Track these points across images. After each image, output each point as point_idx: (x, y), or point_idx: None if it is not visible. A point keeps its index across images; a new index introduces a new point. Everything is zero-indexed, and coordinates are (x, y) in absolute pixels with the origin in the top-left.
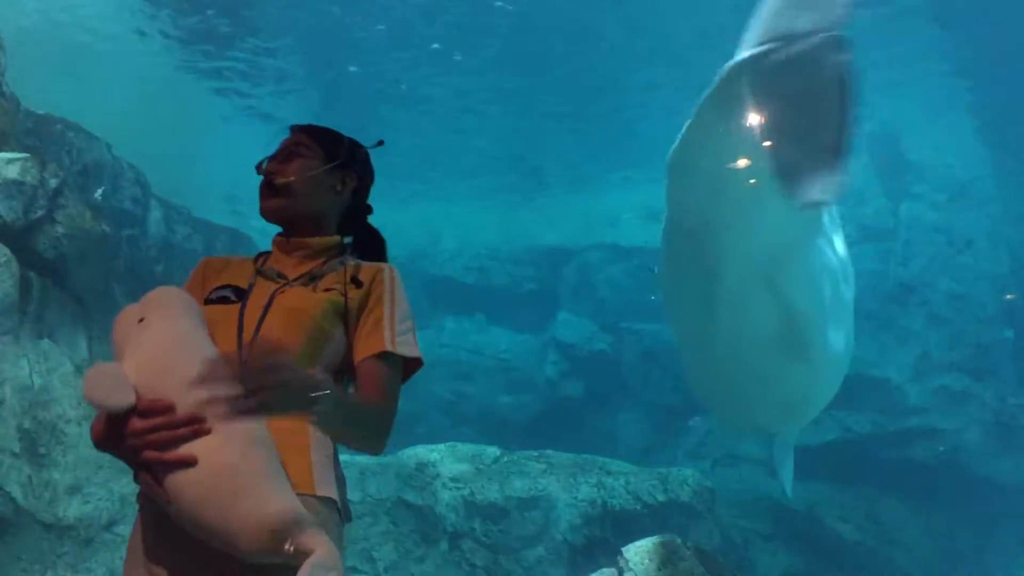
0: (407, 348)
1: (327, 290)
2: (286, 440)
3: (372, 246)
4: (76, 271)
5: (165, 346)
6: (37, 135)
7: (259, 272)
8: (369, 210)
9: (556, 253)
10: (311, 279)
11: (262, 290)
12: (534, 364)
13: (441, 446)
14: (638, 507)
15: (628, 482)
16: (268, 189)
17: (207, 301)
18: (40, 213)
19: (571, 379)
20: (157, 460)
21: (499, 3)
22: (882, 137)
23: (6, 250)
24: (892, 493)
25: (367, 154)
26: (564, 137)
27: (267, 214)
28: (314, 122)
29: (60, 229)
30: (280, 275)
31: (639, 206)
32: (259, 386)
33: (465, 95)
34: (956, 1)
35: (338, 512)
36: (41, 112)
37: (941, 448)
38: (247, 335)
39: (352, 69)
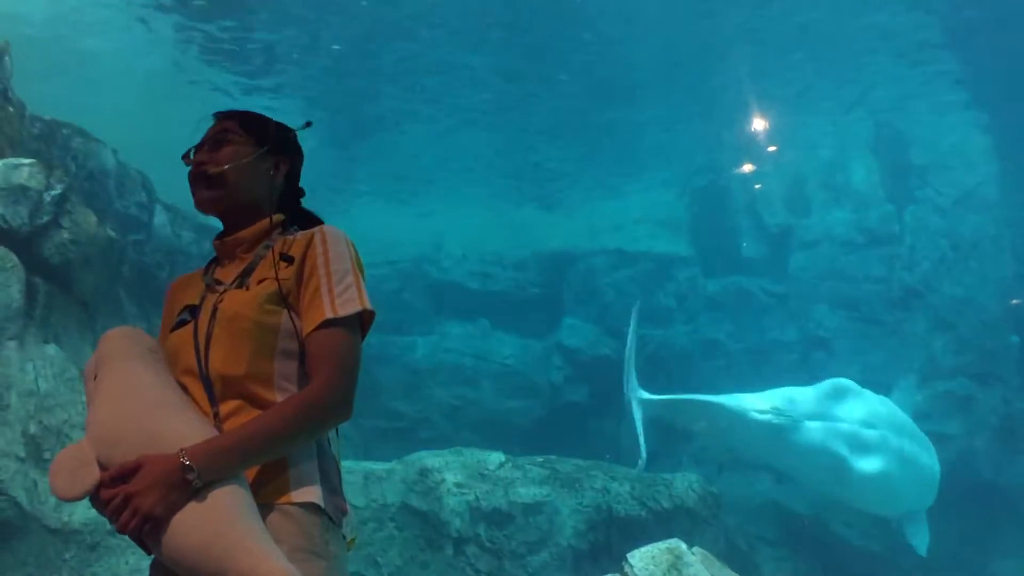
0: (349, 306)
1: (261, 281)
2: None
3: (309, 227)
4: (82, 276)
5: (112, 410)
6: (43, 140)
7: (207, 285)
8: (302, 193)
9: (561, 258)
10: (244, 277)
11: (208, 303)
12: (539, 369)
13: (446, 452)
14: (643, 513)
15: (633, 488)
16: (200, 180)
17: (172, 329)
18: (46, 219)
19: (576, 384)
20: (132, 531)
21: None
22: (887, 141)
23: (12, 256)
24: None
25: (296, 136)
26: (569, 142)
27: (203, 206)
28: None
29: (66, 234)
30: (218, 282)
31: (644, 211)
32: (133, 509)
33: (470, 99)
34: (962, 8)
35: (324, 515)
36: (47, 117)
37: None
38: (202, 354)
39: (357, 69)
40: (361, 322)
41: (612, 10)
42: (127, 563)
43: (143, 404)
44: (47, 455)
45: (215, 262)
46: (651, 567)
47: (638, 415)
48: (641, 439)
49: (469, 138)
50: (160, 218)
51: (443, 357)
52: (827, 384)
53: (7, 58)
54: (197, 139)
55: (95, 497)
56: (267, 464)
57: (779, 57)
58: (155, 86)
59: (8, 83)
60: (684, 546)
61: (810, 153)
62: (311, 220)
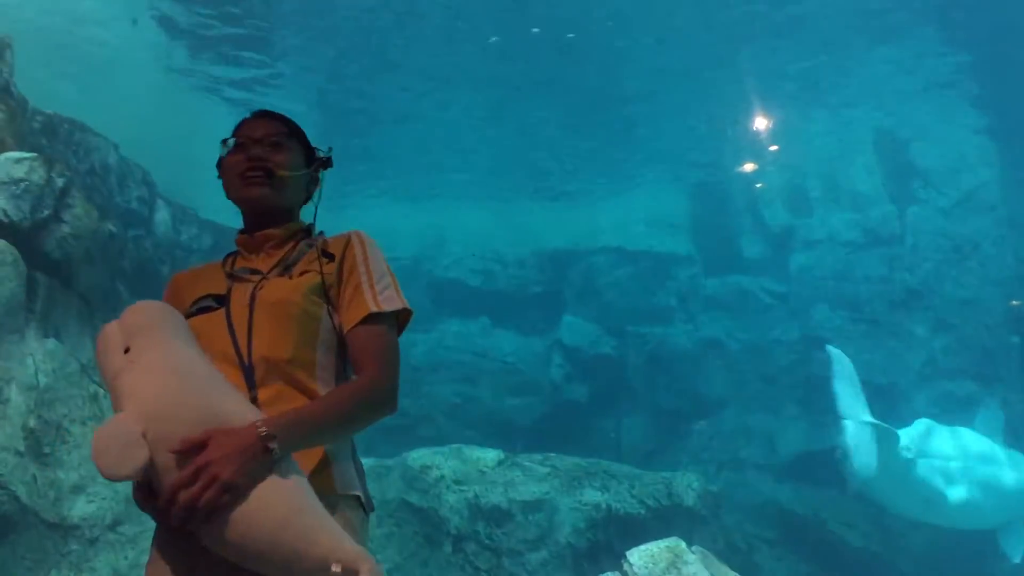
0: (391, 303)
1: (303, 273)
2: None
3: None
4: (82, 271)
5: (164, 384)
6: (44, 135)
7: (231, 275)
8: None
9: (561, 256)
10: (286, 267)
11: (241, 290)
12: (539, 367)
13: (445, 449)
14: (642, 511)
15: (632, 486)
16: (259, 176)
17: (189, 315)
18: (47, 213)
19: (576, 382)
20: (208, 503)
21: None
22: (889, 142)
23: (13, 250)
24: None
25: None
26: (571, 141)
27: (251, 201)
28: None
29: (67, 229)
30: (254, 271)
31: (645, 210)
32: (210, 477)
33: (472, 97)
34: (962, 7)
35: (362, 507)
36: (49, 112)
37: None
38: (240, 339)
39: (360, 67)
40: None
41: (615, 9)
42: (126, 558)
43: (196, 380)
44: (47, 449)
45: (234, 256)
46: (650, 565)
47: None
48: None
49: (470, 135)
50: (161, 213)
51: (443, 354)
52: (916, 425)
53: (9, 52)
54: (213, 133)
55: (137, 488)
56: (308, 455)
57: (781, 56)
58: (156, 82)
59: (10, 78)
60: (684, 544)
61: (812, 153)
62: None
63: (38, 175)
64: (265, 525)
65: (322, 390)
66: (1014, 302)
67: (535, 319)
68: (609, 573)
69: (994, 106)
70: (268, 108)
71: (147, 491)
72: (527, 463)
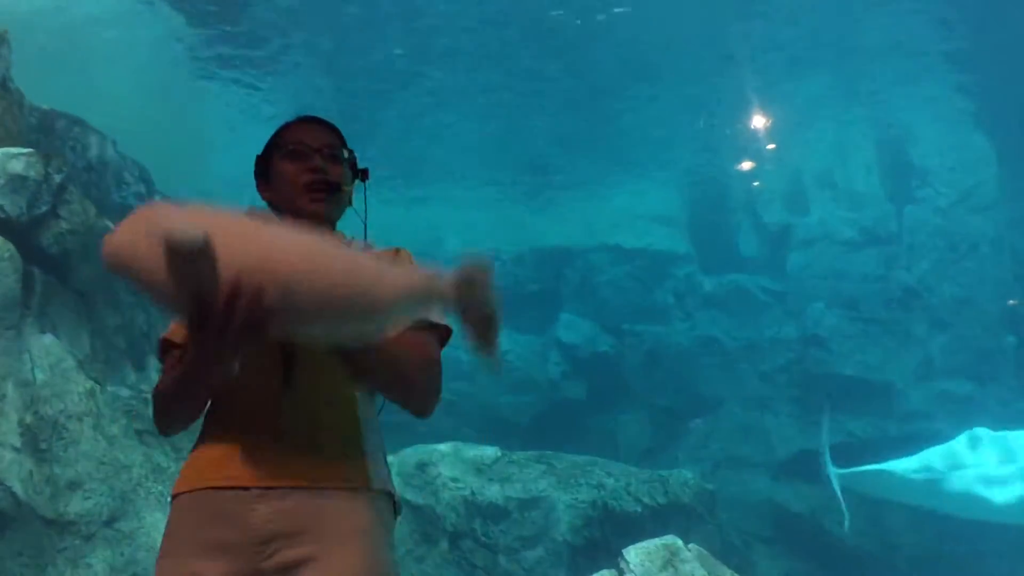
0: (439, 317)
1: None
2: (338, 425)
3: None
4: (79, 267)
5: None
6: (42, 130)
7: None
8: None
9: (559, 254)
10: None
11: None
12: (536, 365)
13: (442, 446)
14: (639, 509)
15: (629, 484)
16: (324, 189)
17: None
18: (44, 209)
19: (573, 380)
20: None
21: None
22: (887, 141)
23: (10, 245)
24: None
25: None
26: (568, 139)
27: (316, 216)
28: (313, 114)
29: (64, 225)
30: None
31: (642, 208)
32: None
33: (469, 95)
34: (962, 9)
35: (393, 506)
36: (46, 107)
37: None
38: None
39: (360, 67)
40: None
41: (613, 7)
42: (122, 555)
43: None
44: (43, 445)
45: None
46: (647, 563)
47: (837, 487)
48: (843, 506)
49: (467, 133)
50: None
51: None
52: (964, 436)
53: (5, 47)
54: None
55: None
56: (344, 450)
57: (780, 55)
58: (154, 78)
59: (7, 72)
60: (680, 542)
61: (810, 151)
62: None
63: (35, 171)
64: (334, 275)
65: (359, 399)
66: (1011, 302)
67: (532, 317)
68: (605, 571)
69: (993, 106)
70: (266, 107)
71: (203, 313)
72: (524, 461)
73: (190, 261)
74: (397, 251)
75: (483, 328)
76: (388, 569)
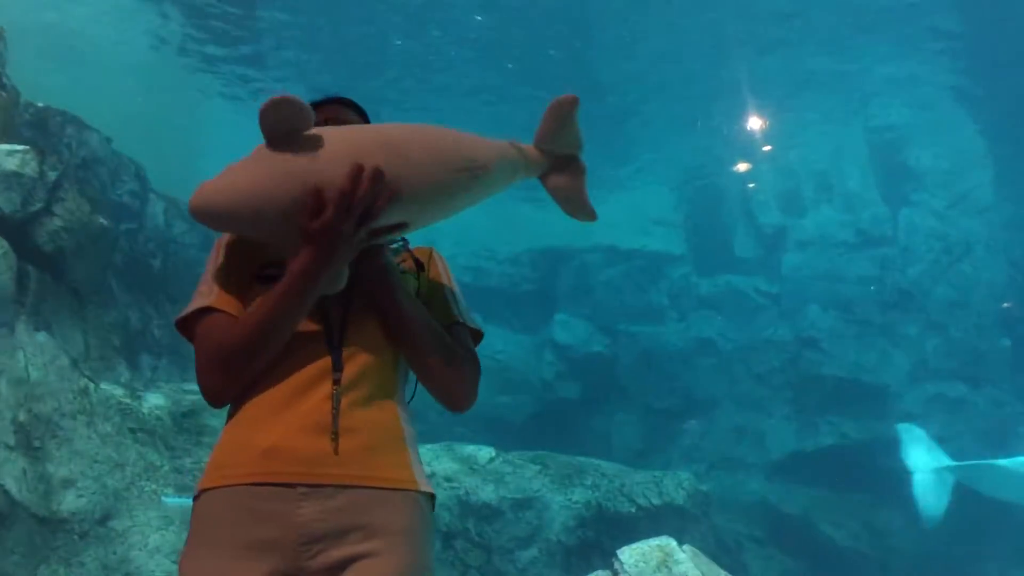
0: (472, 322)
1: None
2: (383, 424)
3: None
4: (74, 264)
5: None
6: (37, 127)
7: None
8: None
9: (554, 254)
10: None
11: None
12: (530, 365)
13: (436, 445)
14: (632, 509)
15: (623, 484)
16: None
17: (264, 278)
18: (39, 206)
19: (567, 380)
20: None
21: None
22: (883, 144)
23: (4, 242)
24: (887, 499)
25: None
26: None
27: None
28: (349, 101)
29: (58, 222)
30: None
31: (638, 209)
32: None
33: (464, 93)
34: (961, 14)
35: (433, 506)
36: (41, 104)
37: None
38: (334, 321)
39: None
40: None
41: (610, 9)
42: (115, 553)
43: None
44: (36, 443)
45: None
46: (641, 564)
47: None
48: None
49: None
50: (153, 207)
51: None
52: None
53: (1, 44)
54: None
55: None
56: (391, 450)
57: (777, 57)
58: (147, 75)
59: (3, 69)
60: (674, 543)
61: (805, 154)
62: None
63: (30, 168)
64: (439, 139)
65: (400, 388)
66: (1005, 304)
67: (527, 317)
68: (600, 571)
69: (988, 109)
70: (260, 105)
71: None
72: (518, 461)
73: (298, 150)
74: (431, 253)
75: (572, 180)
76: (431, 568)
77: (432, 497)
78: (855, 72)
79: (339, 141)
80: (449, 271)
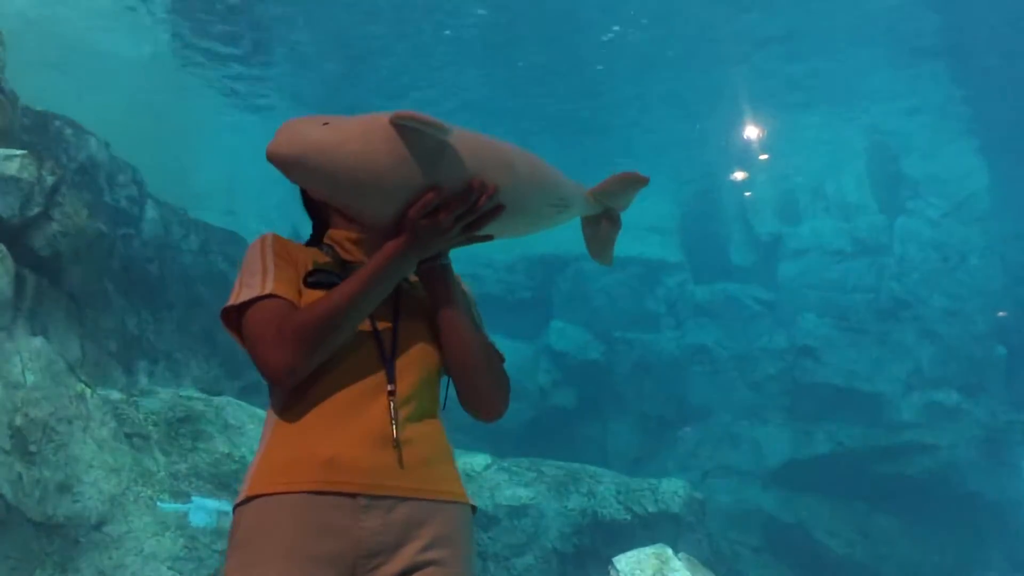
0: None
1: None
2: (435, 444)
3: None
4: (71, 269)
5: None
6: (35, 132)
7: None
8: None
9: (550, 261)
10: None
11: None
12: (527, 372)
13: None
14: (628, 517)
15: (619, 492)
16: None
17: (312, 284)
18: (37, 210)
19: (563, 388)
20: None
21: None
22: (879, 152)
23: (1, 246)
24: (882, 507)
25: None
26: (559, 144)
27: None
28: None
29: (56, 227)
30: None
31: (635, 216)
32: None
33: (461, 101)
34: (958, 21)
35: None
36: (39, 109)
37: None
38: (385, 338)
39: (349, 67)
40: None
41: (607, 12)
42: (111, 558)
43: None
44: (32, 448)
45: (332, 248)
46: (637, 571)
47: None
48: None
49: None
50: (150, 212)
51: None
52: None
53: (0, 49)
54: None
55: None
56: (444, 462)
57: (774, 66)
58: (146, 80)
59: (1, 74)
60: (670, 551)
61: (802, 162)
62: None
63: (28, 172)
64: (537, 167)
65: (439, 401)
66: (1001, 313)
67: (523, 324)
68: None
69: (984, 118)
70: (263, 107)
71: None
72: (514, 468)
73: (426, 148)
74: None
75: (608, 232)
76: None
77: (474, 509)
78: (851, 81)
79: (464, 147)
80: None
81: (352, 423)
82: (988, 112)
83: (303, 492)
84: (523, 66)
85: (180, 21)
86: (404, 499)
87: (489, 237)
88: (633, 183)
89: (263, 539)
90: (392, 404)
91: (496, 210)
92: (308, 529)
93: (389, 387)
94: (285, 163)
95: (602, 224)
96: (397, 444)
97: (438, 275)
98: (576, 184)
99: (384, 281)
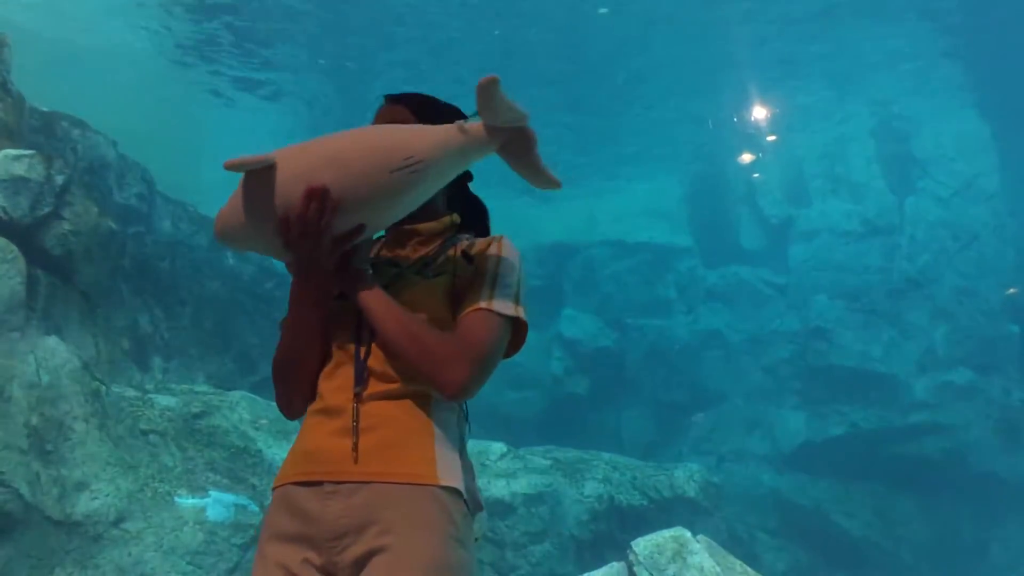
0: (503, 307)
1: (439, 275)
2: (407, 421)
3: (475, 215)
4: (83, 268)
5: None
6: (43, 132)
7: (374, 263)
8: (470, 177)
9: (561, 249)
10: (424, 265)
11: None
12: (539, 361)
13: None
14: (644, 502)
15: (635, 478)
16: None
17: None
18: (47, 210)
19: (576, 376)
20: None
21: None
22: (888, 132)
23: (13, 247)
24: (898, 488)
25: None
26: (570, 134)
27: None
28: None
29: (67, 226)
30: (394, 263)
31: (644, 202)
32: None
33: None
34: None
35: (464, 503)
36: (47, 109)
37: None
38: (364, 331)
39: (353, 64)
40: (514, 334)
41: (615, 4)
42: (130, 555)
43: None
44: (49, 447)
45: (380, 244)
46: (656, 555)
47: None
48: None
49: None
50: (160, 210)
51: None
52: None
53: (6, 50)
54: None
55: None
56: (413, 446)
57: (781, 47)
58: (153, 79)
59: (8, 75)
60: (688, 534)
61: (811, 143)
62: (476, 205)
63: (37, 172)
64: (374, 139)
65: (433, 410)
66: (1011, 290)
67: (535, 312)
68: (615, 563)
69: (993, 97)
70: (266, 106)
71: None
72: (529, 456)
73: (263, 183)
74: (489, 243)
75: (524, 151)
76: (454, 565)
77: (456, 492)
78: (860, 61)
79: (288, 162)
80: (506, 259)
81: (329, 417)
82: (996, 90)
83: (289, 484)
84: (527, 58)
85: (184, 15)
86: (364, 484)
87: (361, 230)
88: (485, 91)
89: (266, 524)
90: (357, 392)
91: (331, 207)
92: (288, 514)
93: (359, 378)
94: (222, 243)
95: (516, 146)
96: (355, 431)
97: (351, 280)
98: (446, 130)
99: (297, 325)
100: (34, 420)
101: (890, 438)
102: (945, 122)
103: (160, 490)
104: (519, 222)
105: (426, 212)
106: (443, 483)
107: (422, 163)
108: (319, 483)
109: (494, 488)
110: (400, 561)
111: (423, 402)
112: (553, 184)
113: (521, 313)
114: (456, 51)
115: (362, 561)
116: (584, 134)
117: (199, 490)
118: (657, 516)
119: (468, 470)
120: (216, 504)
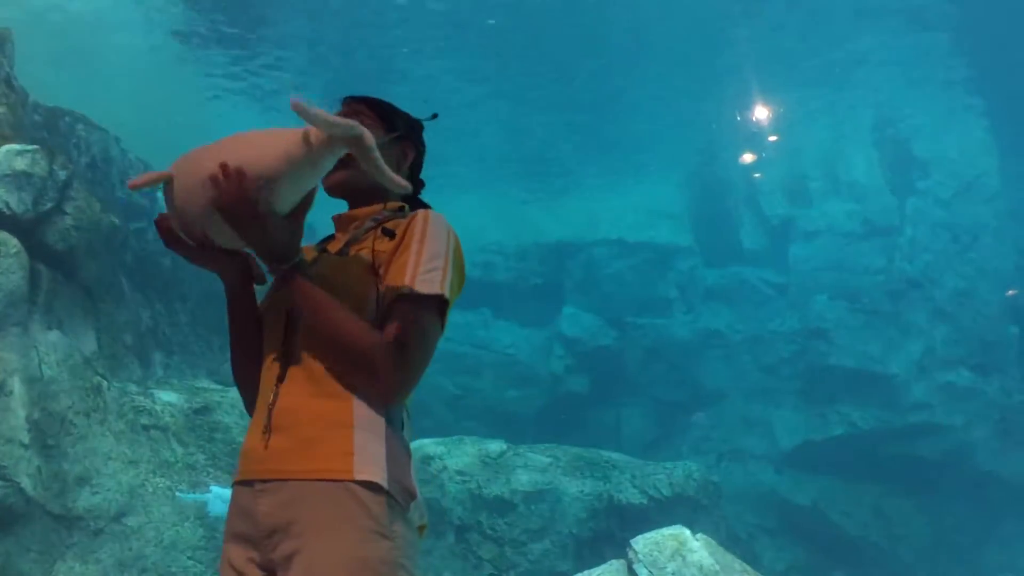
0: (427, 286)
1: (359, 251)
2: (327, 416)
3: (417, 197)
4: (85, 263)
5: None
6: (45, 128)
7: (318, 251)
8: (422, 184)
9: (562, 248)
10: (346, 246)
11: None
12: (539, 359)
13: (448, 440)
14: (644, 501)
15: (634, 476)
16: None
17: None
18: (49, 205)
19: (576, 374)
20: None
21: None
22: (888, 133)
23: (16, 242)
24: (896, 488)
25: (422, 127)
26: (571, 133)
27: (332, 188)
28: (352, 97)
29: (69, 221)
30: (325, 251)
31: (645, 202)
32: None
33: (473, 91)
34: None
35: (387, 495)
36: (49, 105)
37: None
38: (288, 341)
39: (359, 59)
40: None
41: (615, 3)
42: (131, 549)
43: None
44: (51, 441)
45: (328, 239)
46: (655, 553)
47: None
48: None
49: (471, 128)
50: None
51: (444, 346)
52: None
53: (9, 45)
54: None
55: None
56: (331, 440)
57: (781, 47)
58: (156, 74)
59: (10, 70)
60: (688, 532)
61: (811, 143)
62: (418, 190)
63: (40, 167)
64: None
65: (357, 402)
66: (1011, 292)
67: (535, 311)
68: (614, 561)
69: (994, 97)
70: (270, 103)
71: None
72: (529, 454)
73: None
74: (413, 217)
75: (362, 156)
76: (372, 559)
77: (377, 487)
78: (860, 62)
79: (182, 164)
80: (431, 230)
81: (258, 416)
82: (997, 90)
83: (235, 483)
84: (529, 59)
85: (187, 11)
86: (284, 481)
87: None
88: (298, 110)
89: (226, 521)
90: (275, 390)
91: (236, 174)
92: (236, 514)
93: (279, 375)
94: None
95: (355, 151)
96: (275, 428)
97: (285, 278)
98: (295, 137)
99: (230, 297)
100: (36, 414)
101: (889, 438)
102: (946, 123)
103: (161, 485)
104: (520, 221)
105: (369, 197)
106: (359, 477)
107: (275, 182)
108: (251, 482)
109: (494, 485)
110: (313, 565)
111: (346, 395)
112: (396, 185)
113: (444, 290)
114: (455, 41)
115: (288, 559)
116: (586, 133)
117: (200, 485)
118: (657, 514)
119: (397, 459)
120: (217, 499)
